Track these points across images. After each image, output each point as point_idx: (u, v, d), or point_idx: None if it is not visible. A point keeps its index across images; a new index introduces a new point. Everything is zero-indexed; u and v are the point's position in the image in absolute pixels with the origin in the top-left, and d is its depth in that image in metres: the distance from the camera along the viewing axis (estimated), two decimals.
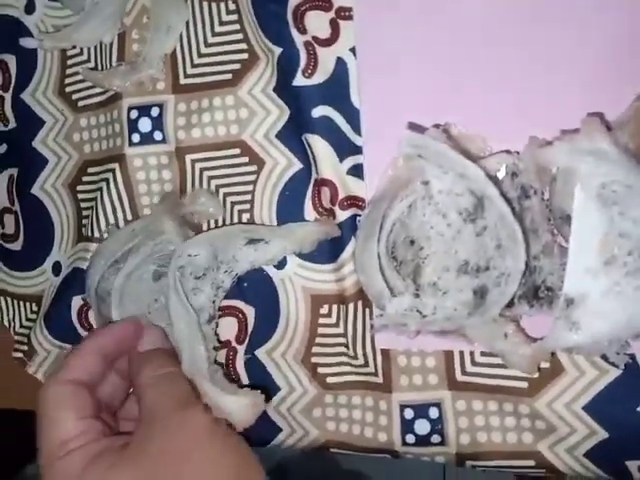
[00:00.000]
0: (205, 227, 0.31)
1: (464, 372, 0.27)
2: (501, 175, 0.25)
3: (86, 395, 0.25)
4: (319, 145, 0.28)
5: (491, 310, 0.22)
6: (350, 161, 0.28)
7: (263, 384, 0.31)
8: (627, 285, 0.19)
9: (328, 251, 0.29)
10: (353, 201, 0.28)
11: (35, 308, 0.36)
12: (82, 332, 0.34)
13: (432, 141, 0.22)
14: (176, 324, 0.27)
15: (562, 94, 0.25)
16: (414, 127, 0.25)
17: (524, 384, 0.26)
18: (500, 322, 0.24)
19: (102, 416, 0.25)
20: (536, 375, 0.25)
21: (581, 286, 0.20)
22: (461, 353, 0.27)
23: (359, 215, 0.28)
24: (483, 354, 0.27)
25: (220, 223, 0.31)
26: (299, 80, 0.28)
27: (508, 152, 0.25)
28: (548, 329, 0.21)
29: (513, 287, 0.22)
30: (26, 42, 0.34)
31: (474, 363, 0.27)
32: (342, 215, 0.28)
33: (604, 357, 0.25)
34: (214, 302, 0.30)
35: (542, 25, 0.25)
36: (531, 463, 0.26)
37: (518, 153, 0.25)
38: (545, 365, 0.26)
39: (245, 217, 0.30)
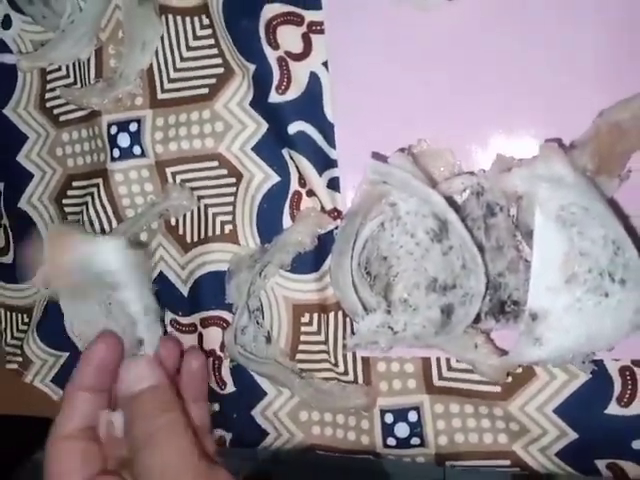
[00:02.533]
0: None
1: (441, 377, 0.28)
2: (466, 195, 0.25)
3: (88, 448, 0.24)
4: (299, 160, 0.28)
5: (456, 329, 0.23)
6: (328, 174, 0.28)
7: (249, 390, 0.32)
8: (588, 301, 0.20)
9: (310, 262, 0.29)
10: (336, 214, 0.29)
11: (26, 319, 0.37)
12: (75, 339, 0.35)
13: (395, 170, 0.23)
14: None
15: (533, 109, 0.25)
16: (378, 157, 0.25)
17: (497, 388, 0.27)
18: (471, 333, 0.24)
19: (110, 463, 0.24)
20: (509, 380, 0.26)
21: (544, 302, 0.20)
22: (438, 359, 0.28)
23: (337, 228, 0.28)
24: (459, 360, 0.27)
25: (202, 231, 0.31)
26: (273, 97, 0.28)
27: (472, 173, 0.25)
28: (514, 341, 0.22)
29: (475, 308, 0.22)
30: (5, 58, 0.34)
31: (450, 368, 0.28)
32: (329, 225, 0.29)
33: None
34: (258, 324, 0.31)
35: (517, 39, 0.25)
36: (507, 463, 0.28)
37: (484, 171, 0.25)
38: (518, 370, 0.26)
39: (228, 228, 0.31)
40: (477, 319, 0.23)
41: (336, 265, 0.25)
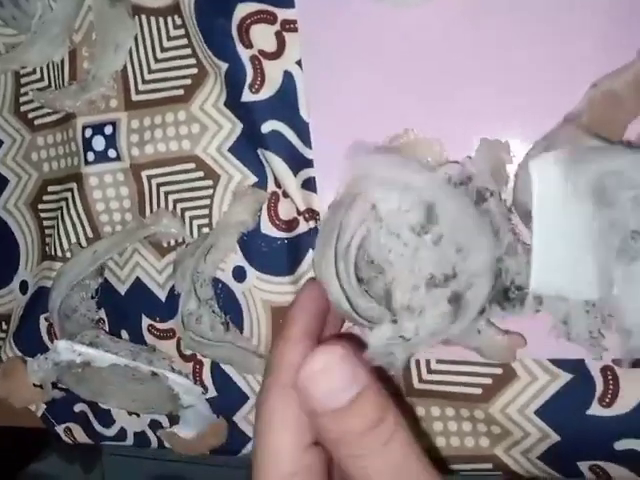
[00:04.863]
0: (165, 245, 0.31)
1: (421, 380, 0.27)
2: (454, 182, 0.25)
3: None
4: (273, 160, 0.28)
5: (469, 312, 0.22)
6: (303, 174, 0.28)
7: (231, 395, 0.31)
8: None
9: (286, 263, 0.29)
10: (311, 214, 0.28)
11: (5, 327, 0.36)
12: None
13: (378, 166, 0.22)
14: None
15: (515, 96, 0.25)
16: (359, 146, 0.25)
17: (478, 390, 0.26)
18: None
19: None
20: (489, 382, 0.26)
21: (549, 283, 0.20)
22: (417, 362, 0.27)
23: (315, 228, 0.28)
24: (439, 362, 0.27)
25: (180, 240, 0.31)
26: (247, 96, 0.28)
27: (456, 162, 0.25)
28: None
29: (484, 286, 0.22)
30: None
31: (430, 371, 0.27)
32: (304, 226, 0.28)
33: (555, 362, 0.25)
34: (214, 313, 0.30)
35: (493, 29, 0.25)
36: (489, 466, 0.27)
37: (470, 157, 0.25)
38: (498, 371, 0.26)
39: (205, 232, 0.31)
40: (482, 309, 0.23)
41: (319, 256, 0.24)
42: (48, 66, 0.32)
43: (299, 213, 0.28)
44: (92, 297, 0.33)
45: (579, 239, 0.21)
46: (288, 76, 0.27)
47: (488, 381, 0.26)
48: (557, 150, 0.21)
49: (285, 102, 0.27)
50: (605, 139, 0.22)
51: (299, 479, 0.19)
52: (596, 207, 0.21)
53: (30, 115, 0.34)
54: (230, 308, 0.31)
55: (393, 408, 0.18)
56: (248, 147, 0.29)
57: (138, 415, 0.34)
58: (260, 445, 0.20)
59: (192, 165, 0.30)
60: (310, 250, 0.28)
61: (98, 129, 0.31)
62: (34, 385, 0.32)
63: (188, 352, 0.32)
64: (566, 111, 0.24)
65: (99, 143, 0.31)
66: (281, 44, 0.27)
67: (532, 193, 0.21)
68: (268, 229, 0.29)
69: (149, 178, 0.31)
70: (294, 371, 0.18)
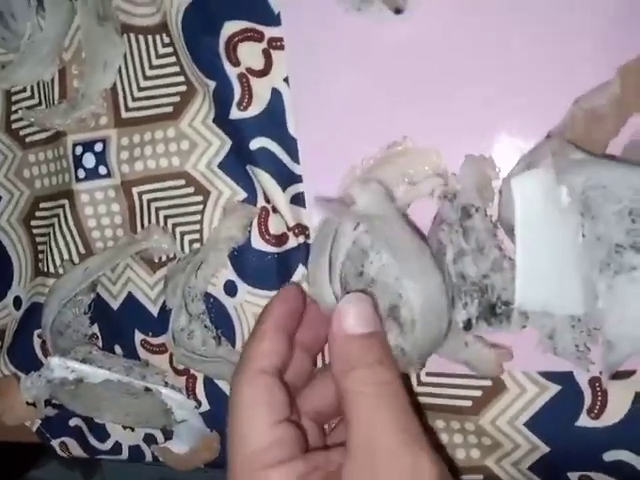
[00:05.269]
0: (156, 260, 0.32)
1: (411, 393, 0.28)
2: (438, 199, 0.25)
3: (280, 389, 0.21)
4: (262, 176, 0.28)
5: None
6: (292, 190, 0.28)
7: (224, 408, 0.31)
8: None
9: (276, 278, 0.29)
10: (301, 229, 0.28)
11: None
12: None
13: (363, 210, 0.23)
14: None
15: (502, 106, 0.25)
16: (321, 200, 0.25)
17: (468, 403, 0.27)
18: (459, 333, 0.24)
19: (293, 416, 0.22)
20: (479, 394, 0.26)
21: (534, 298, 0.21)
22: (407, 375, 0.27)
23: (305, 243, 0.28)
24: (428, 374, 0.27)
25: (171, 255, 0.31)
26: (235, 113, 0.28)
27: (439, 175, 0.25)
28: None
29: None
30: None
31: (420, 383, 0.27)
32: (295, 241, 0.29)
33: (543, 374, 0.25)
34: (206, 327, 0.30)
35: (474, 45, 0.25)
36: (480, 477, 0.27)
37: (455, 174, 0.25)
38: (488, 384, 0.26)
39: (196, 247, 0.31)
40: (469, 325, 0.23)
41: (314, 264, 0.24)
42: (38, 84, 0.33)
43: (289, 229, 0.29)
44: (85, 313, 0.33)
45: (563, 254, 0.22)
46: (276, 93, 0.27)
47: (478, 393, 0.26)
48: (539, 167, 0.21)
49: (273, 119, 0.28)
50: (589, 152, 0.22)
51: (271, 450, 0.20)
52: (581, 221, 0.21)
53: (21, 132, 0.34)
54: (222, 322, 0.31)
55: (397, 370, 0.21)
56: (237, 163, 0.29)
57: (132, 429, 0.34)
58: (233, 423, 0.21)
59: (182, 181, 0.30)
60: (300, 265, 0.29)
61: (88, 146, 0.31)
62: (27, 403, 0.32)
63: (181, 367, 0.32)
64: (551, 126, 0.24)
65: (89, 160, 0.31)
66: (268, 62, 0.27)
67: (515, 210, 0.21)
68: (259, 244, 0.29)
69: (140, 194, 0.31)
70: (265, 359, 0.22)
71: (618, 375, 0.24)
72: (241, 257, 0.30)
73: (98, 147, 0.31)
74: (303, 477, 0.20)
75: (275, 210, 0.29)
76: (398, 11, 0.24)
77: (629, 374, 0.24)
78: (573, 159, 0.21)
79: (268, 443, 0.20)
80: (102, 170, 0.31)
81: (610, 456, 0.25)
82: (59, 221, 0.33)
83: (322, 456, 0.21)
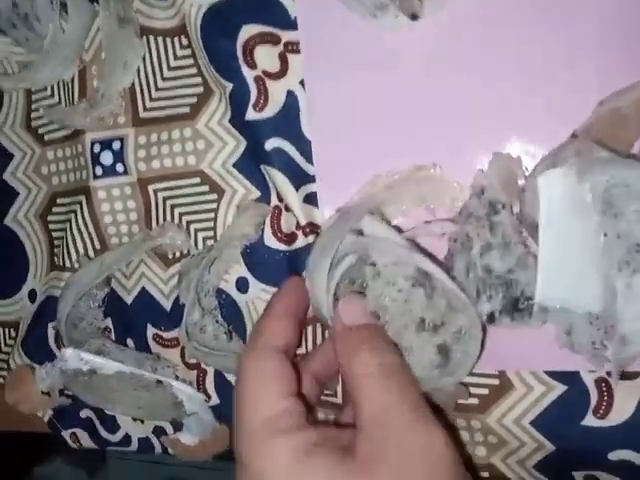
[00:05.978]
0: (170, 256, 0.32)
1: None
2: (468, 194, 0.25)
3: (288, 366, 0.22)
4: (276, 175, 0.29)
5: (460, 369, 0.23)
6: (305, 189, 0.29)
7: (233, 402, 0.32)
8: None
9: (287, 275, 0.30)
10: (313, 228, 0.29)
11: (13, 334, 0.37)
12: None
13: (370, 239, 0.23)
14: None
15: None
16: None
17: (475, 401, 0.27)
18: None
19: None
20: (486, 392, 0.27)
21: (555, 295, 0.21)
22: None
23: (313, 243, 0.29)
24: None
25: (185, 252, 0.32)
26: (251, 114, 0.29)
27: (452, 221, 0.26)
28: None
29: (475, 345, 0.23)
30: None
31: None
32: (304, 240, 0.29)
33: (550, 373, 0.26)
34: (218, 322, 0.31)
35: (486, 49, 0.25)
36: (485, 475, 0.28)
37: (482, 171, 0.26)
38: (495, 382, 0.27)
39: (209, 244, 0.31)
40: (492, 318, 0.24)
41: (315, 263, 0.25)
42: (59, 84, 0.34)
43: (298, 227, 0.29)
44: (99, 306, 0.34)
45: (584, 251, 0.22)
46: (291, 95, 0.28)
47: (485, 392, 0.27)
48: (565, 165, 0.22)
49: (288, 120, 0.28)
50: (614, 151, 0.22)
51: (283, 417, 0.20)
52: (603, 219, 0.21)
53: (40, 130, 0.35)
54: (233, 318, 0.31)
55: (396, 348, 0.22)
56: (252, 163, 0.30)
57: (142, 421, 0.34)
58: (241, 394, 0.22)
59: (197, 180, 0.31)
60: None
61: (106, 144, 0.32)
62: (42, 392, 0.33)
63: (192, 361, 0.32)
64: (576, 126, 0.24)
65: (107, 158, 0.32)
66: (284, 65, 0.28)
67: (539, 207, 0.22)
68: (271, 242, 0.30)
69: (155, 192, 0.32)
70: (275, 337, 0.23)
71: (625, 376, 0.24)
72: (253, 254, 0.30)
73: (116, 145, 0.32)
74: (315, 445, 0.20)
75: (288, 209, 0.29)
76: (414, 17, 0.25)
77: (636, 375, 0.24)
78: (597, 158, 0.22)
79: (281, 410, 0.21)
80: (119, 168, 0.32)
81: (615, 456, 0.25)
82: (76, 217, 0.33)
83: (333, 429, 0.22)
